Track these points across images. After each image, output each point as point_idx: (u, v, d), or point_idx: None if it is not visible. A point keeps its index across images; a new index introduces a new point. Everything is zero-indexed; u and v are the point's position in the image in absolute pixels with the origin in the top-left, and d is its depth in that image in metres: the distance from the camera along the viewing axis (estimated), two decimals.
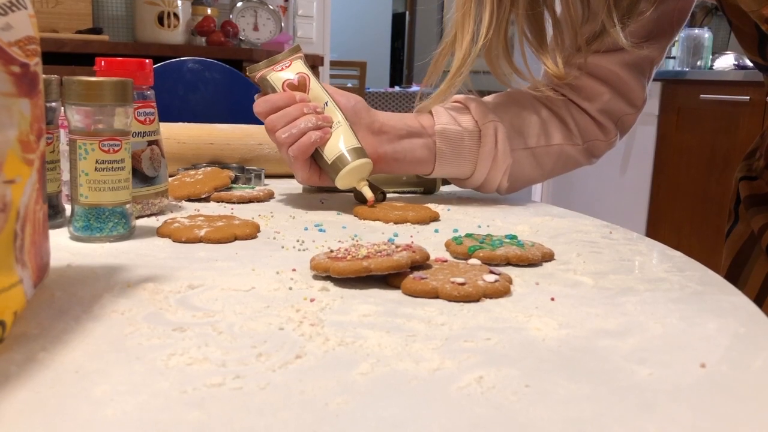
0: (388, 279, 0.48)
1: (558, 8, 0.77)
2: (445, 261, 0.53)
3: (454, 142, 0.78)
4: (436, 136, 0.78)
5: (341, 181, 0.72)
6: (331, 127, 0.72)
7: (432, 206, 0.76)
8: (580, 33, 0.75)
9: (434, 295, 0.45)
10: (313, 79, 0.75)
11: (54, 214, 0.62)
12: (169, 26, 2.56)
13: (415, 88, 4.90)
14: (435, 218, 0.71)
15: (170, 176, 0.79)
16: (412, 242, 0.56)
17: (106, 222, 0.58)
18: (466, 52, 0.74)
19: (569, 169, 0.86)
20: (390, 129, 0.77)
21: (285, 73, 0.75)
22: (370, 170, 0.73)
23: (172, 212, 0.71)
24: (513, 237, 0.59)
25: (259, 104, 0.72)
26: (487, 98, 0.82)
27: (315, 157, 0.73)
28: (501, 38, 0.75)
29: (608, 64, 0.80)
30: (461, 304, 0.44)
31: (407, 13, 6.19)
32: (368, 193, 0.73)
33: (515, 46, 0.77)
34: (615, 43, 0.74)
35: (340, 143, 0.72)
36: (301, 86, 0.74)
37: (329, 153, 0.72)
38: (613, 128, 0.84)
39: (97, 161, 0.57)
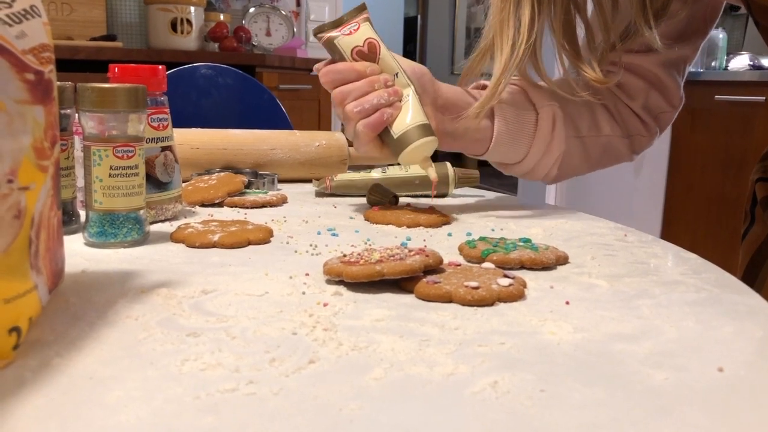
0: (401, 283, 0.48)
1: (589, 11, 0.76)
2: (459, 265, 0.52)
3: (512, 124, 0.77)
4: (495, 118, 0.76)
5: (405, 158, 0.70)
6: (401, 101, 0.70)
7: (445, 210, 0.76)
8: (612, 30, 0.74)
9: (448, 299, 0.45)
10: (383, 46, 0.71)
11: (68, 220, 0.63)
12: (182, 32, 2.58)
13: None
14: (447, 222, 0.71)
15: (184, 181, 0.79)
16: (425, 246, 0.56)
17: (120, 228, 0.58)
18: (507, 59, 0.72)
19: (612, 164, 0.85)
20: (453, 107, 0.75)
21: (354, 37, 0.71)
22: (435, 148, 0.71)
23: (185, 217, 0.71)
24: (527, 240, 0.59)
25: (327, 74, 0.70)
26: (540, 84, 0.80)
27: (380, 132, 0.71)
28: (530, 45, 0.73)
29: (646, 64, 0.79)
30: (475, 308, 0.44)
31: (419, 16, 6.19)
32: (432, 174, 0.72)
33: (542, 55, 0.75)
34: (649, 44, 0.74)
35: (407, 118, 0.69)
36: (371, 54, 0.71)
37: (396, 128, 0.69)
38: (654, 124, 0.84)
39: (111, 167, 0.57)
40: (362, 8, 0.74)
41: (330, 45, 0.72)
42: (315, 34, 0.73)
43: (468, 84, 0.79)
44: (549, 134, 0.77)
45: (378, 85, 0.69)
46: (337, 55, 0.72)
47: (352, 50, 0.71)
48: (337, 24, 0.73)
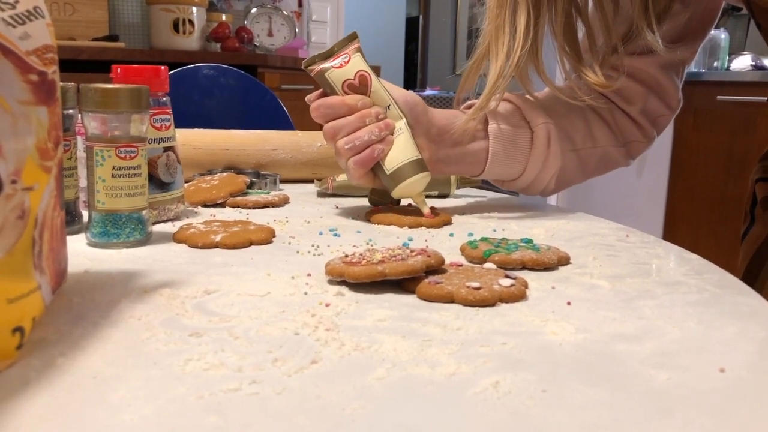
0: (403, 284, 0.48)
1: (589, 13, 0.76)
2: (461, 265, 0.52)
3: (508, 143, 0.76)
4: (489, 138, 0.76)
5: (398, 193, 0.70)
6: (393, 134, 0.70)
7: (446, 210, 0.76)
8: (614, 31, 0.74)
9: (450, 299, 0.45)
10: (374, 78, 0.71)
11: (71, 220, 0.63)
12: (184, 33, 2.58)
13: (430, 91, 4.89)
14: (448, 222, 0.71)
15: (186, 182, 0.79)
16: (427, 246, 0.56)
17: (122, 228, 0.58)
18: (502, 66, 0.71)
19: (608, 171, 0.85)
20: (447, 132, 0.75)
21: (345, 69, 0.70)
22: (427, 182, 0.71)
23: (188, 218, 0.71)
24: (528, 241, 0.59)
25: (318, 109, 0.69)
26: (536, 95, 0.80)
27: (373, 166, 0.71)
28: (533, 50, 0.72)
29: (645, 67, 0.79)
30: (477, 308, 0.44)
31: (421, 17, 6.19)
32: (425, 208, 0.71)
33: (543, 58, 0.75)
34: (649, 46, 0.73)
35: (400, 154, 0.69)
36: (362, 87, 0.70)
37: (389, 164, 0.69)
38: (651, 128, 0.83)
39: (113, 168, 0.57)
40: (353, 37, 0.73)
41: (321, 78, 0.71)
42: (305, 67, 0.72)
43: (467, 92, 0.78)
44: (545, 152, 0.77)
45: (369, 120, 0.68)
46: (328, 88, 0.71)
47: (343, 83, 0.70)
48: (327, 55, 0.72)
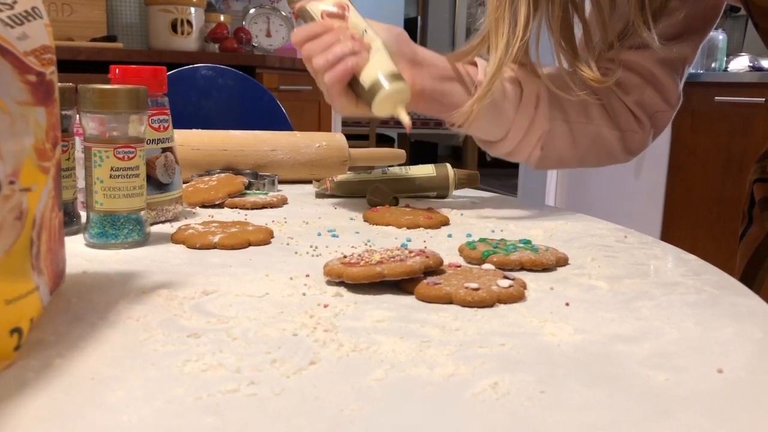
0: (401, 284, 0.48)
1: (587, 9, 0.76)
2: (459, 266, 0.52)
3: (495, 97, 0.74)
4: (477, 87, 0.75)
5: (378, 107, 0.69)
6: (368, 52, 0.69)
7: (445, 211, 0.76)
8: (610, 28, 0.73)
9: (448, 300, 0.45)
10: (352, 8, 0.73)
11: (69, 221, 0.63)
12: (182, 33, 2.58)
13: None
14: (446, 223, 0.71)
15: (184, 183, 0.79)
16: (426, 247, 0.56)
17: (121, 229, 0.58)
18: (501, 55, 0.71)
19: (603, 160, 0.83)
20: (432, 66, 0.74)
21: (324, 2, 0.73)
22: (409, 96, 0.70)
23: (186, 219, 0.71)
24: (527, 242, 0.59)
25: (297, 33, 0.71)
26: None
27: (352, 84, 0.70)
28: (524, 44, 0.72)
29: (642, 61, 0.78)
30: (475, 309, 0.44)
31: (419, 17, 6.20)
32: (405, 119, 0.69)
33: (539, 54, 0.75)
34: (645, 42, 0.73)
35: (377, 68, 0.69)
36: (339, 13, 0.72)
37: (366, 78, 0.68)
38: (648, 123, 0.82)
39: (111, 168, 0.57)
40: None
41: (303, 12, 0.74)
42: (289, 4, 0.75)
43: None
44: (532, 111, 0.76)
45: (343, 36, 0.69)
46: (310, 21, 0.73)
47: (322, 13, 0.72)
48: None
